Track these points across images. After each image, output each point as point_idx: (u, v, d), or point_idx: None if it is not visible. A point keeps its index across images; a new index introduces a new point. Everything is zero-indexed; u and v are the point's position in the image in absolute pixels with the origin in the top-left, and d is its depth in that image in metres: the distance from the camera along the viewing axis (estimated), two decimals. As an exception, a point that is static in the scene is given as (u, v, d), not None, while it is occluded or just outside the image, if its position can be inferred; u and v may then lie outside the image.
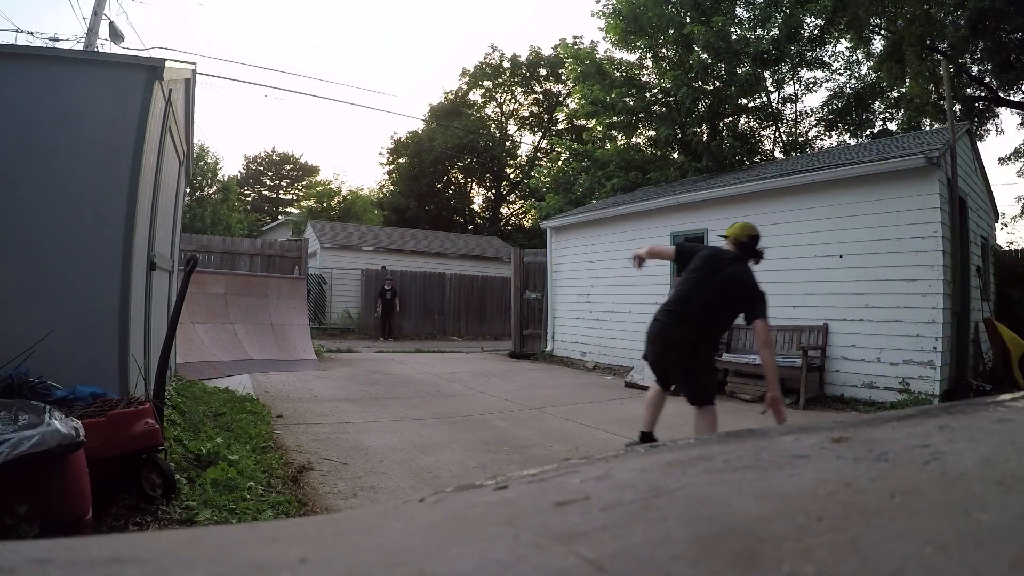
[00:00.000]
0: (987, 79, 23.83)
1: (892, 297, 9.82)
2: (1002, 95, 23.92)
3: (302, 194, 63.75)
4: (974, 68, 23.72)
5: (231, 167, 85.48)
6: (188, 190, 24.14)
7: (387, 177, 55.69)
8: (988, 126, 25.17)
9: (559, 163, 30.86)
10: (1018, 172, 27.16)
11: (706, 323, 5.99)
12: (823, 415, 9.34)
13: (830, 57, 26.04)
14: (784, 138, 26.42)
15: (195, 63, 7.38)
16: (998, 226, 18.48)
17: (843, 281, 10.43)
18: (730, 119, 24.82)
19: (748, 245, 6.32)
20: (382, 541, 0.58)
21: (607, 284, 15.33)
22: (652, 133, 24.88)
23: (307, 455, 5.88)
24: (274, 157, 68.41)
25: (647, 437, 6.44)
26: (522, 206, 51.85)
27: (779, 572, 0.45)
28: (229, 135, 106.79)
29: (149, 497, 4.12)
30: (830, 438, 0.76)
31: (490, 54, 52.70)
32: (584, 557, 0.48)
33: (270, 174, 68.47)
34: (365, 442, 6.61)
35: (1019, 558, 0.48)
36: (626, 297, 14.67)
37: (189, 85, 7.95)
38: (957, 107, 21.71)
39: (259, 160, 67.99)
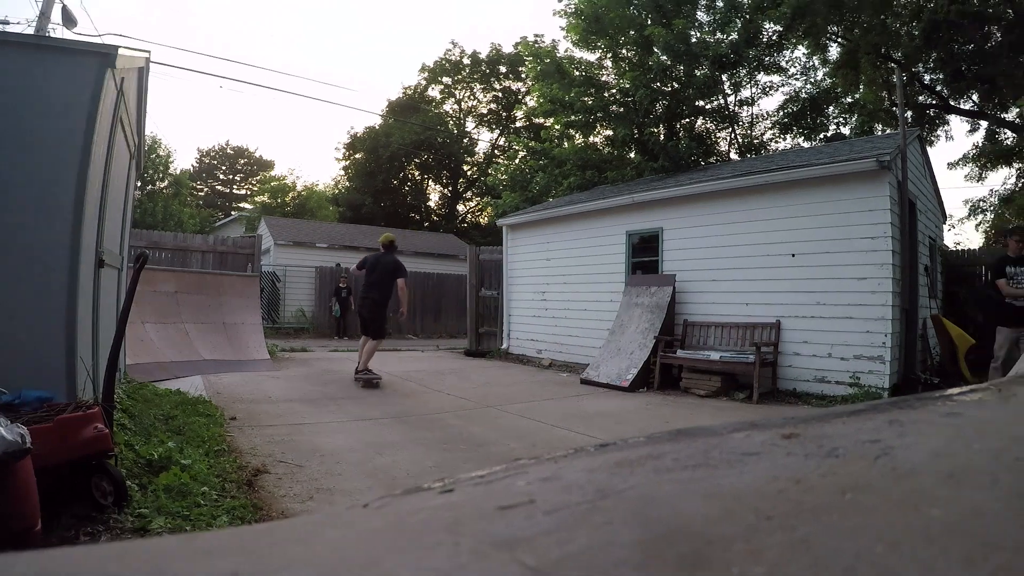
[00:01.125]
0: (938, 88, 24.42)
1: (843, 295, 10.03)
2: (952, 103, 24.61)
3: (256, 189, 62.85)
4: (926, 77, 24.36)
5: (183, 160, 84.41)
6: (139, 184, 23.67)
7: (343, 173, 55.05)
8: (938, 132, 25.87)
9: (516, 161, 30.88)
10: (966, 176, 27.78)
11: (382, 290, 11.17)
12: (776, 409, 9.47)
13: (787, 62, 26.44)
14: (740, 140, 26.75)
15: (149, 51, 7.20)
16: (946, 227, 18.87)
17: (795, 279, 10.62)
18: (687, 120, 25.05)
19: (389, 247, 11.55)
20: (318, 551, 0.56)
21: (563, 282, 15.37)
22: (610, 132, 25.05)
23: (262, 458, 5.77)
24: (228, 151, 67.31)
25: (363, 370, 10.96)
26: (478, 203, 51.82)
27: (728, 574, 0.44)
28: (182, 127, 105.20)
29: (100, 505, 4.01)
30: (780, 434, 0.74)
31: (450, 50, 52.41)
32: (526, 565, 0.46)
33: (224, 168, 67.34)
34: (320, 443, 6.52)
35: (971, 553, 0.47)
36: (582, 295, 14.73)
37: (142, 74, 7.76)
38: (909, 114, 22.25)
39: (212, 154, 66.90)
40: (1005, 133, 25.09)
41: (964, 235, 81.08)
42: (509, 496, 0.61)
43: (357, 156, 51.29)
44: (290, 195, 53.52)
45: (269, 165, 67.63)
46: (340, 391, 10.24)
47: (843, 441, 0.72)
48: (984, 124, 25.44)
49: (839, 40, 24.95)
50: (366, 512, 0.66)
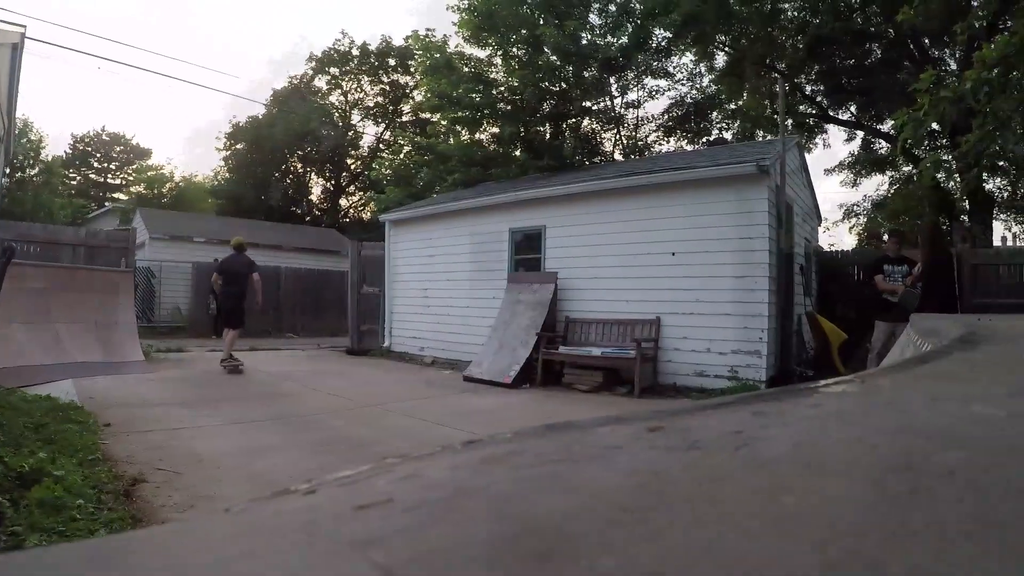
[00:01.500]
0: (819, 98, 25.56)
1: (721, 292, 10.40)
2: (831, 113, 25.90)
3: (132, 179, 60.34)
4: (808, 88, 25.50)
5: (56, 147, 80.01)
6: (7, 170, 22.39)
7: (223, 164, 53.05)
8: (816, 140, 27.34)
9: (401, 155, 30.63)
10: (842, 182, 29.17)
11: (240, 286, 12.74)
12: (656, 403, 9.65)
13: (674, 68, 27.21)
14: (624, 141, 27.32)
15: (25, 26, 6.77)
16: (821, 230, 19.70)
17: (675, 277, 10.93)
18: (573, 120, 25.42)
19: (241, 247, 13.15)
20: (171, 560, 0.53)
21: (445, 279, 15.33)
22: (496, 130, 25.08)
23: (139, 466, 5.52)
24: (104, 137, 63.70)
25: (227, 358, 12.40)
26: (362, 198, 50.99)
27: (577, 568, 0.44)
28: (56, 110, 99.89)
29: (-27, 525, 3.75)
30: (646, 428, 0.75)
31: (340, 40, 51.24)
32: (377, 564, 0.45)
33: (99, 155, 63.77)
34: (199, 448, 6.31)
35: (823, 540, 0.48)
36: (464, 291, 14.73)
37: (16, 51, 7.28)
38: (789, 122, 23.20)
39: (87, 140, 63.33)
40: (880, 143, 26.52)
41: (838, 237, 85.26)
42: (369, 495, 0.60)
43: (238, 147, 49.68)
44: (167, 186, 51.64)
45: (146, 153, 64.67)
46: (218, 393, 9.96)
47: (706, 433, 0.73)
48: (860, 134, 26.83)
49: (726, 49, 25.80)
50: (227, 517, 0.64)
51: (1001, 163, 21.95)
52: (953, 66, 21.13)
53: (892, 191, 27.70)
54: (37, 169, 41.85)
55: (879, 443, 0.72)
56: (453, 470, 0.65)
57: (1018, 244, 24.31)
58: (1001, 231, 37.98)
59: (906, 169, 26.13)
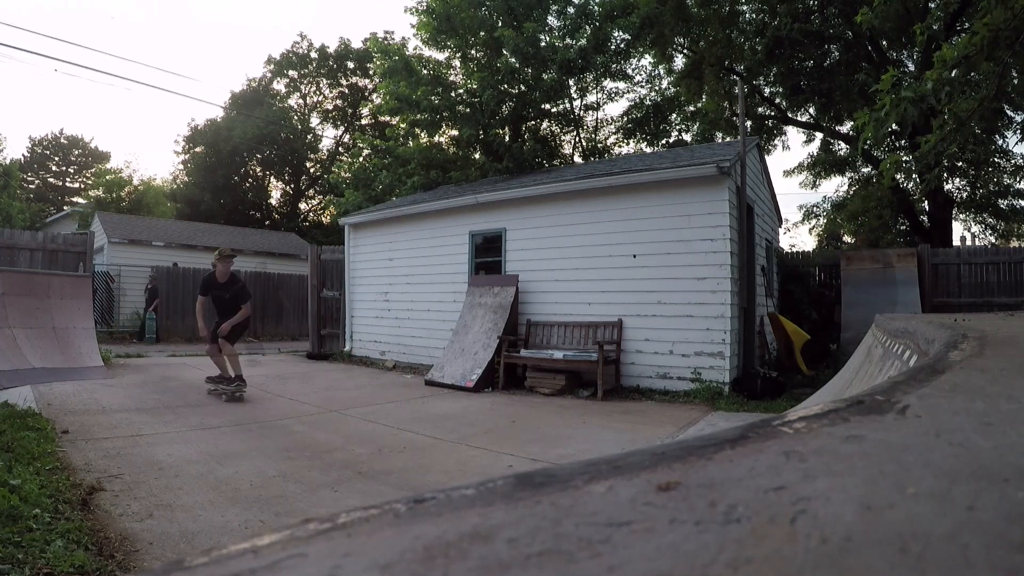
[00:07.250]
0: (778, 100, 25.80)
1: (683, 294, 10.38)
2: (790, 115, 26.15)
3: (91, 182, 59.16)
4: (767, 90, 25.73)
5: (13, 149, 78.58)
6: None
7: (182, 167, 52.33)
8: (776, 142, 27.63)
9: (360, 159, 30.36)
10: (801, 184, 29.41)
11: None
12: (620, 406, 9.61)
13: (633, 70, 27.47)
14: (584, 143, 27.37)
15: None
16: (782, 231, 19.83)
17: (637, 279, 10.91)
18: (533, 123, 25.39)
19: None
20: None
21: (405, 283, 15.18)
22: (455, 132, 25.02)
23: (96, 474, 5.35)
24: (62, 140, 62.53)
25: (233, 378, 10.03)
26: (321, 202, 50.70)
27: None
28: (12, 113, 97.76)
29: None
30: (655, 485, 0.55)
31: (298, 42, 50.88)
32: None
33: (57, 159, 62.64)
34: (159, 456, 6.12)
35: None
36: (424, 295, 14.62)
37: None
38: (748, 123, 23.35)
39: (45, 143, 62.17)
40: (839, 144, 26.79)
41: (799, 238, 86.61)
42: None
43: (197, 150, 49.05)
44: (126, 190, 50.68)
45: (105, 157, 63.44)
46: (178, 399, 9.71)
47: (740, 492, 0.54)
48: (819, 135, 27.10)
49: (685, 51, 25.96)
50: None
51: (960, 163, 22.34)
52: (911, 67, 21.46)
53: (852, 192, 28.01)
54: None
55: (966, 498, 0.54)
56: (385, 570, 0.44)
57: (977, 244, 24.69)
58: (960, 231, 38.86)
59: (865, 170, 26.44)
